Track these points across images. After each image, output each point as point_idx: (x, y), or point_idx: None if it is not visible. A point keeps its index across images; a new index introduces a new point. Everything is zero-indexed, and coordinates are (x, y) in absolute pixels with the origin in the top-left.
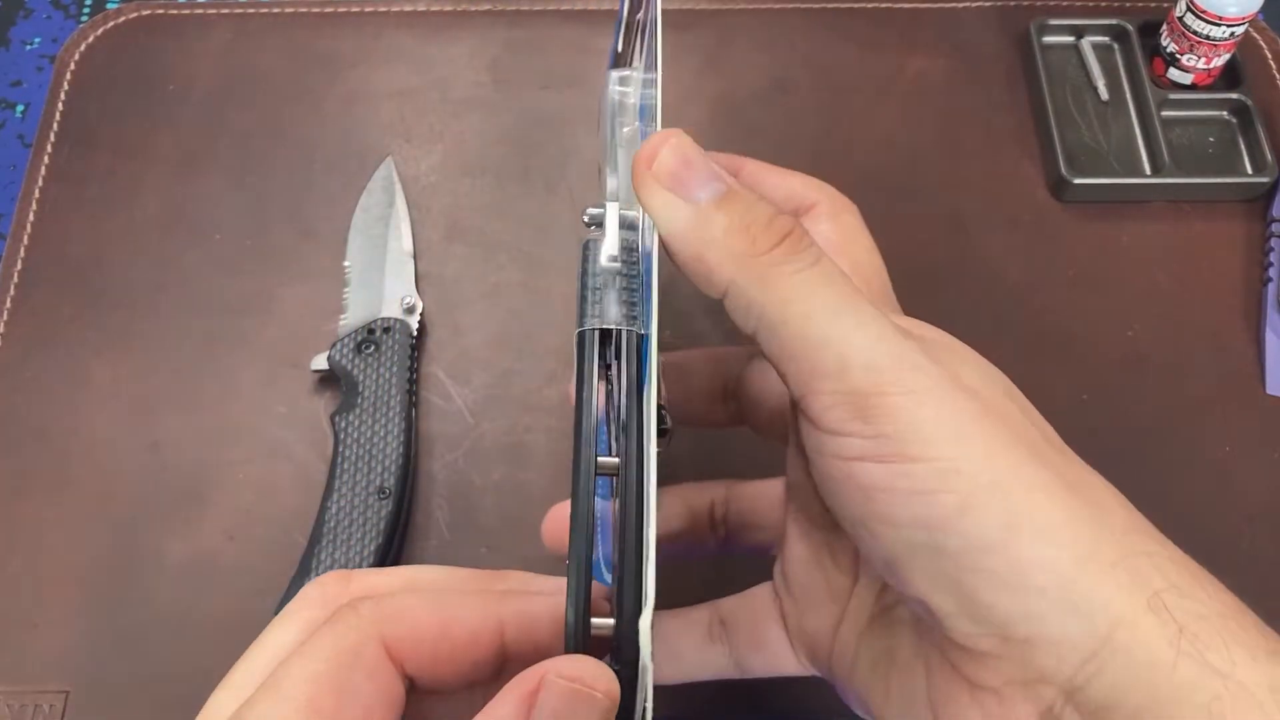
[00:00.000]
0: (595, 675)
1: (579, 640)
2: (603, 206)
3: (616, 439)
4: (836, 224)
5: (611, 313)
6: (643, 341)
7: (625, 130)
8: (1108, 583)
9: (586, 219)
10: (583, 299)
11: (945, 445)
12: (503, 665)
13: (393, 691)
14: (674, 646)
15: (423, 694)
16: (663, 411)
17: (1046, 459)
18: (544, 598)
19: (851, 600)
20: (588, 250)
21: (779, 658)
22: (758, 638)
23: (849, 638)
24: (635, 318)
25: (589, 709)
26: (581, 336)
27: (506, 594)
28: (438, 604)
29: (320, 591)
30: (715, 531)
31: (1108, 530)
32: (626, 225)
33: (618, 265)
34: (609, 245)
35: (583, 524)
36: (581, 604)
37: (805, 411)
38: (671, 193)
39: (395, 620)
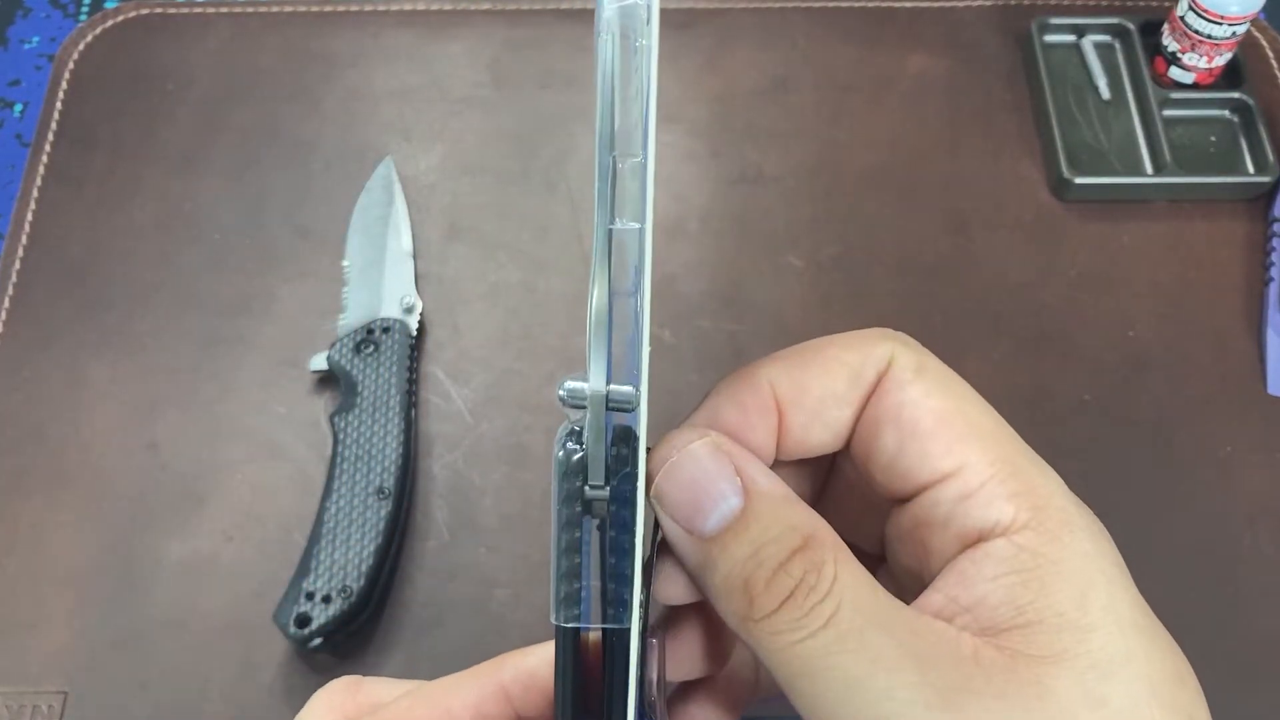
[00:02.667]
0: None
1: None
2: (584, 381)
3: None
4: (927, 382)
5: (592, 598)
6: (626, 641)
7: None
8: None
9: (564, 394)
10: (557, 566)
11: None
12: None
13: None
14: None
15: None
16: None
17: None
18: (539, 649)
19: None
20: (566, 468)
21: None
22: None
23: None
24: (624, 603)
25: None
26: (557, 630)
27: (503, 659)
28: (435, 693)
29: (328, 701)
30: None
31: None
32: (617, 403)
33: (604, 493)
34: (593, 469)
35: None
36: None
37: None
38: (676, 524)
39: None
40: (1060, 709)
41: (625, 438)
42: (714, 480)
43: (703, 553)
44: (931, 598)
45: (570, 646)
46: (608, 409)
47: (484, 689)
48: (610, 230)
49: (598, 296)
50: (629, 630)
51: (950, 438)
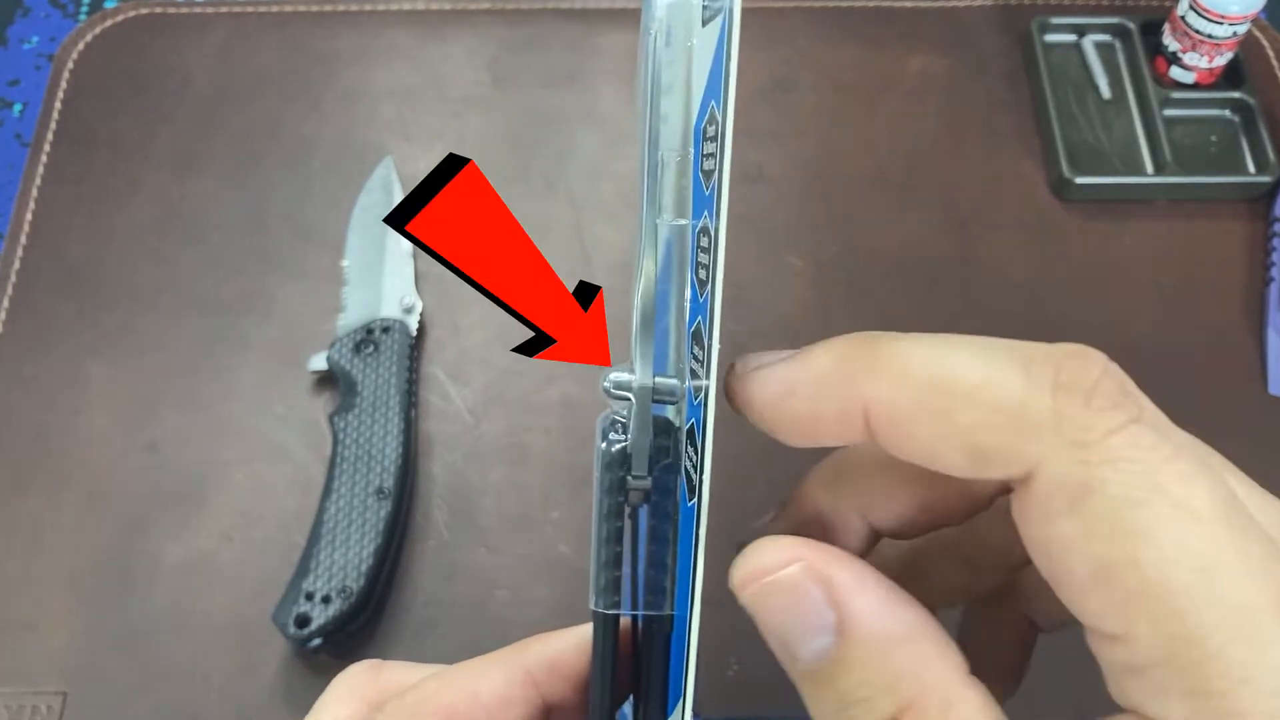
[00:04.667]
0: None
1: None
2: (630, 373)
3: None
4: (1088, 516)
5: (630, 584)
6: (673, 629)
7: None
8: None
9: (609, 385)
10: (598, 554)
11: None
12: (547, 714)
13: None
14: None
15: None
16: None
17: None
18: (564, 634)
19: None
20: (609, 459)
21: None
22: None
23: None
24: (664, 590)
25: None
26: (596, 616)
27: (527, 644)
28: (459, 677)
29: (349, 684)
30: None
31: None
32: (663, 395)
33: (646, 483)
34: (637, 461)
35: None
36: None
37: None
38: (772, 636)
39: (419, 709)
40: None
41: (665, 429)
42: (805, 615)
43: (798, 675)
44: None
45: (610, 633)
46: (653, 402)
47: (510, 673)
48: (656, 224)
49: (643, 292)
50: (667, 617)
51: (1113, 600)
